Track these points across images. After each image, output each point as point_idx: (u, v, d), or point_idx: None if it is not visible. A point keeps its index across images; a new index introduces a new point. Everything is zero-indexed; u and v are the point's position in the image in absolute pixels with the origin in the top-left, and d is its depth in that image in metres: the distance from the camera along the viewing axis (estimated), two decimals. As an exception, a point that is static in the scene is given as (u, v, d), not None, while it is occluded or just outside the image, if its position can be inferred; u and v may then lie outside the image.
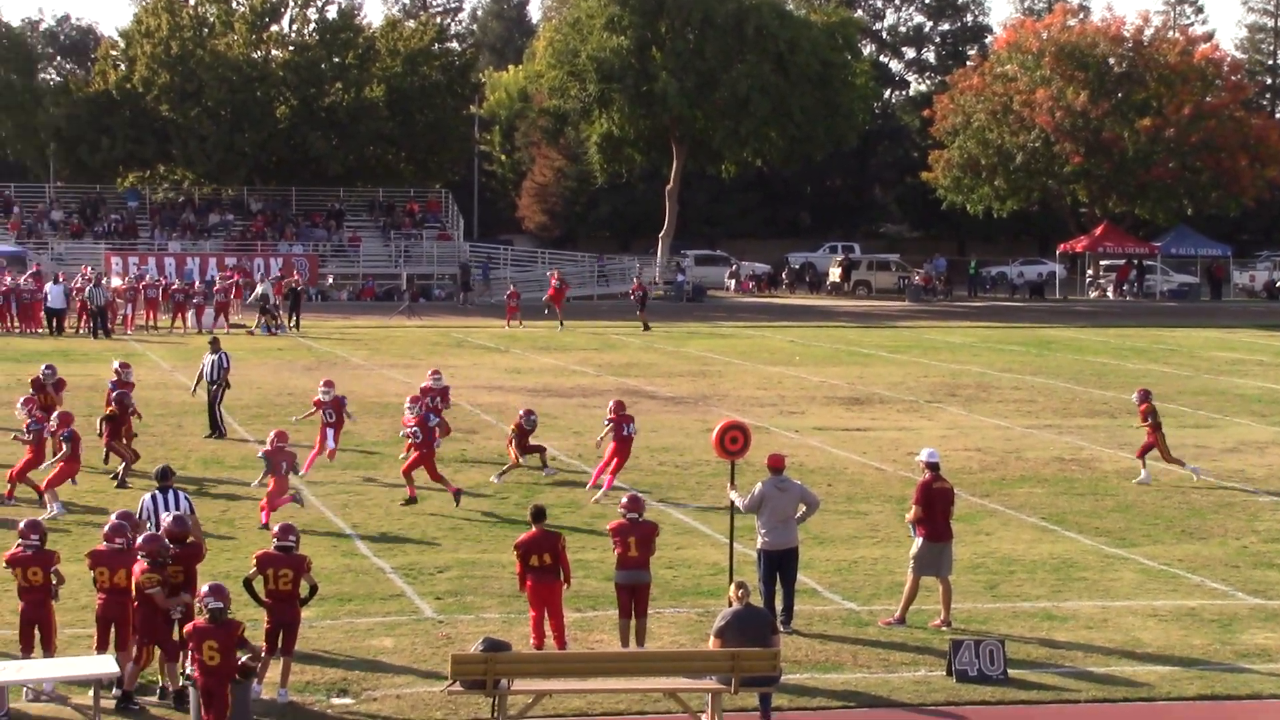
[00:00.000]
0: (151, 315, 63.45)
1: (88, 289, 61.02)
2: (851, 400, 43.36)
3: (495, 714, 16.78)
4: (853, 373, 49.86)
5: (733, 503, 21.43)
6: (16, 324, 61.04)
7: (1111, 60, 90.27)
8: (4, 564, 18.53)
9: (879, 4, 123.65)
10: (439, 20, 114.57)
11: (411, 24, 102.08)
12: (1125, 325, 71.13)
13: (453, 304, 79.07)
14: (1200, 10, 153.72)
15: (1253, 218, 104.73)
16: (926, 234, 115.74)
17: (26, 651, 18.11)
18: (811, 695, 18.40)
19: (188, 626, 16.41)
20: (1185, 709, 18.33)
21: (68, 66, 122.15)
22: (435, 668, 18.84)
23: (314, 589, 18.41)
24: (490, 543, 25.29)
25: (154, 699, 17.86)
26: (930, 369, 51.02)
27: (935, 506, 21.24)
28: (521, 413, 31.47)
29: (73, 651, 18.58)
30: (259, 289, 64.44)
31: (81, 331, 60.11)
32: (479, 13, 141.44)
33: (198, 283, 69.53)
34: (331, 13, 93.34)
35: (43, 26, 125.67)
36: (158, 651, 17.89)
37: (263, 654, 17.40)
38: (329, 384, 32.17)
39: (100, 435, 30.53)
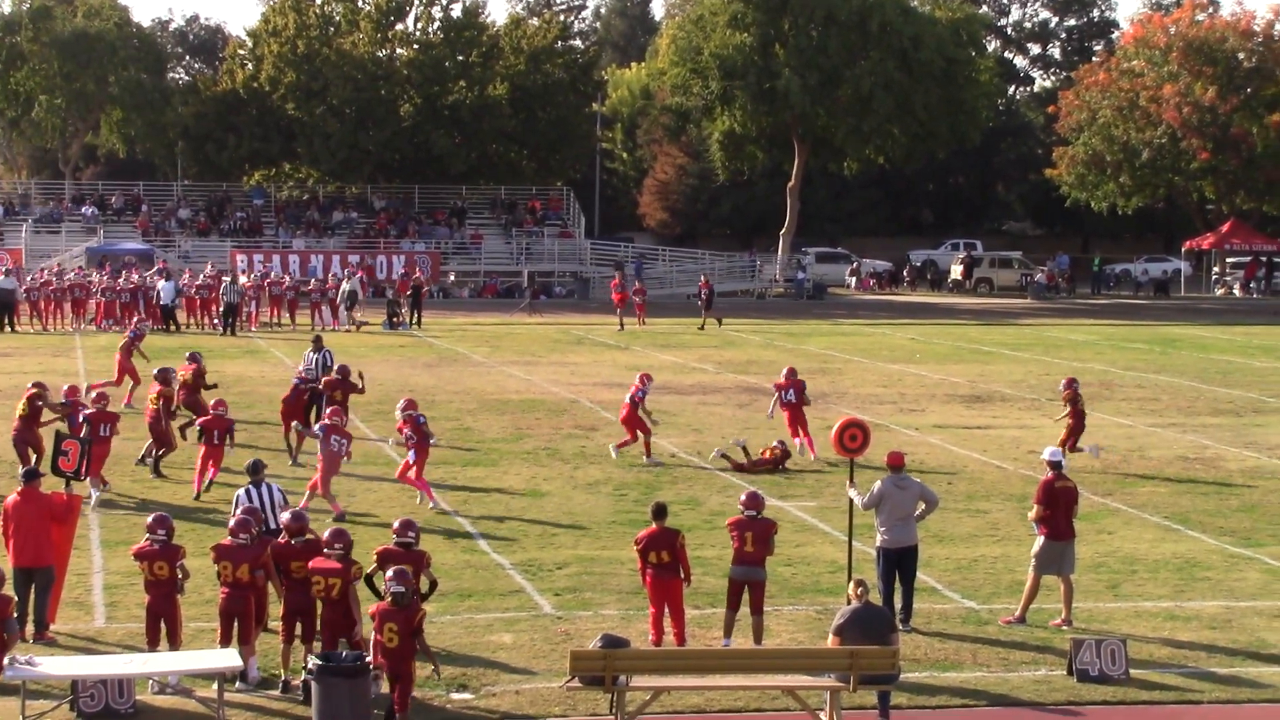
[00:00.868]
0: (275, 312, 64.03)
1: (223, 285, 61.73)
2: (972, 398, 43.12)
3: (614, 710, 16.83)
4: (973, 370, 49.58)
5: (851, 500, 21.40)
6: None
7: (1241, 55, 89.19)
8: (132, 557, 18.82)
9: (1004, 0, 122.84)
10: (562, 18, 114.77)
11: (535, 22, 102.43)
12: (1252, 323, 70.26)
13: (573, 300, 79.09)
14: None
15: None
16: (1049, 231, 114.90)
17: (153, 644, 18.34)
18: (931, 694, 18.34)
19: (372, 609, 16.79)
20: (1310, 712, 18.13)
21: (196, 66, 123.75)
22: (554, 664, 18.93)
23: (434, 585, 18.56)
24: (609, 539, 25.37)
25: (276, 692, 18.07)
26: (1052, 367, 50.61)
27: (1058, 505, 21.11)
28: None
29: (197, 645, 18.80)
30: (344, 286, 64.65)
31: (206, 329, 60.86)
32: (602, 10, 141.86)
33: (316, 280, 69.61)
34: (456, 11, 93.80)
35: (172, 26, 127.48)
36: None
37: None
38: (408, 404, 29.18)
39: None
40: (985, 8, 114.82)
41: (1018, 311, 77.79)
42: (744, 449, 31.62)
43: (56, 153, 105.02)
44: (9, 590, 17.23)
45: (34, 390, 29.16)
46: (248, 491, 21.24)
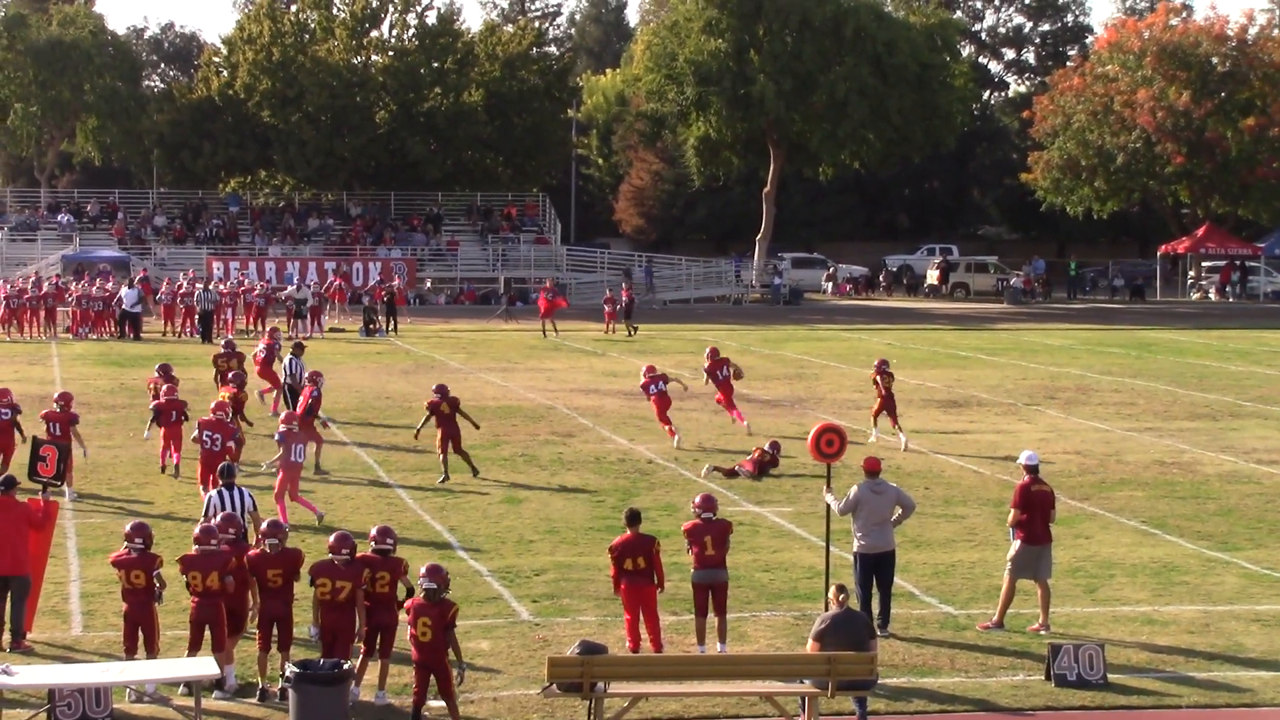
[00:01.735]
0: (250, 320, 63.87)
1: (196, 292, 61.81)
2: (949, 403, 43.17)
3: (591, 716, 16.83)
4: (950, 375, 49.63)
5: (829, 505, 21.40)
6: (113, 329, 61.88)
7: (1215, 60, 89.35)
8: (110, 566, 18.78)
9: (978, 5, 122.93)
10: (537, 25, 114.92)
11: (510, 29, 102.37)
12: (1227, 327, 70.41)
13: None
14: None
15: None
16: (1025, 236, 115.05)
17: (130, 653, 18.30)
18: (908, 699, 18.35)
19: (407, 603, 17.16)
20: (1288, 715, 18.17)
21: (171, 74, 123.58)
22: (532, 670, 18.92)
23: (410, 592, 18.53)
24: (586, 546, 25.34)
25: (254, 700, 18.04)
26: (1029, 371, 50.70)
27: (1034, 510, 21.13)
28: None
29: (175, 654, 18.74)
30: (288, 290, 64.93)
31: (178, 336, 61.19)
32: (577, 17, 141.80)
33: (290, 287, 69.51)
34: (431, 18, 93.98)
35: (147, 34, 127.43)
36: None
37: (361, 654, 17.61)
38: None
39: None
40: (959, 13, 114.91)
41: (994, 316, 77.90)
42: (721, 470, 31.61)
43: (32, 160, 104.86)
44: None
45: None
46: (220, 494, 21.26)
